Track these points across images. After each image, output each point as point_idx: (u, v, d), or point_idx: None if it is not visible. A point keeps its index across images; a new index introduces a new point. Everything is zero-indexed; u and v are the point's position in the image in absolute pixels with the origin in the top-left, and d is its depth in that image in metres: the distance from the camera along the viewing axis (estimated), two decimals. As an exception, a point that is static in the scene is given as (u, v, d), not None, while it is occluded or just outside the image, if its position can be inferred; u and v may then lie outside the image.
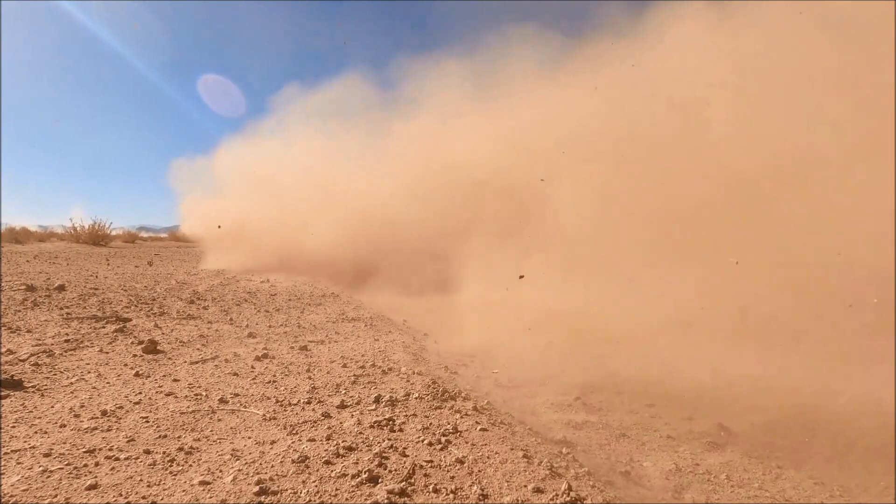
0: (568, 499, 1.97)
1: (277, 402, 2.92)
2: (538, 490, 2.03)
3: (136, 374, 3.38)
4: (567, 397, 3.93)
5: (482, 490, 1.99)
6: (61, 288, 6.94)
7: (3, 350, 3.72)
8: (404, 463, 2.17)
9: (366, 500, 1.87)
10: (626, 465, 2.84)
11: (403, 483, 2.01)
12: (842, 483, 2.79)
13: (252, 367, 3.70)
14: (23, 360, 3.51)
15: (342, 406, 2.89)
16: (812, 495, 2.67)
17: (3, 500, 1.77)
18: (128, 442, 2.30)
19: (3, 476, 1.94)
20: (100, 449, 2.21)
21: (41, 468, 2.01)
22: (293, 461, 2.14)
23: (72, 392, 2.99)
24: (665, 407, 3.78)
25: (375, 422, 2.62)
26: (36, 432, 2.38)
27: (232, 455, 2.20)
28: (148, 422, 2.55)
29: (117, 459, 2.12)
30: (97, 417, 2.58)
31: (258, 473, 2.02)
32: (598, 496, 2.14)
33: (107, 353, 3.92)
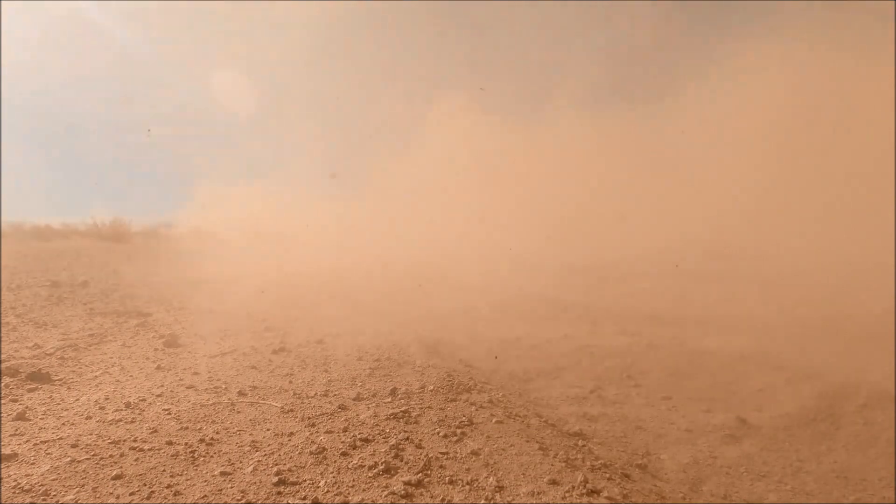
0: (584, 491, 1.97)
1: (295, 394, 2.97)
2: (554, 482, 2.03)
3: (158, 368, 3.46)
4: (582, 390, 3.92)
5: (498, 482, 2.00)
6: (85, 284, 7.12)
7: (31, 344, 3.83)
8: (420, 455, 2.19)
9: (382, 491, 1.90)
10: (643, 458, 2.82)
11: (420, 474, 2.03)
12: (864, 476, 2.74)
13: (270, 360, 3.76)
14: (50, 354, 3.61)
15: (358, 398, 2.92)
16: (833, 489, 2.63)
17: (34, 489, 1.83)
18: (151, 433, 2.36)
19: (34, 465, 2.01)
20: (124, 440, 2.27)
21: (69, 458, 2.08)
22: (311, 452, 2.17)
23: (96, 385, 3.07)
24: (682, 399, 3.75)
25: (391, 414, 2.64)
26: (63, 424, 2.45)
27: (251, 446, 2.24)
28: (170, 414, 2.61)
29: (141, 450, 2.18)
30: (121, 409, 2.65)
31: (277, 464, 2.06)
32: (614, 489, 2.13)
33: (129, 347, 4.02)
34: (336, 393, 3.02)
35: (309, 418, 2.59)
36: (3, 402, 2.68)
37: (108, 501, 1.79)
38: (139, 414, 2.60)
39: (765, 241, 13.02)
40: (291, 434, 2.39)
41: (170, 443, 2.26)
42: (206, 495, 1.84)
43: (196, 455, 2.16)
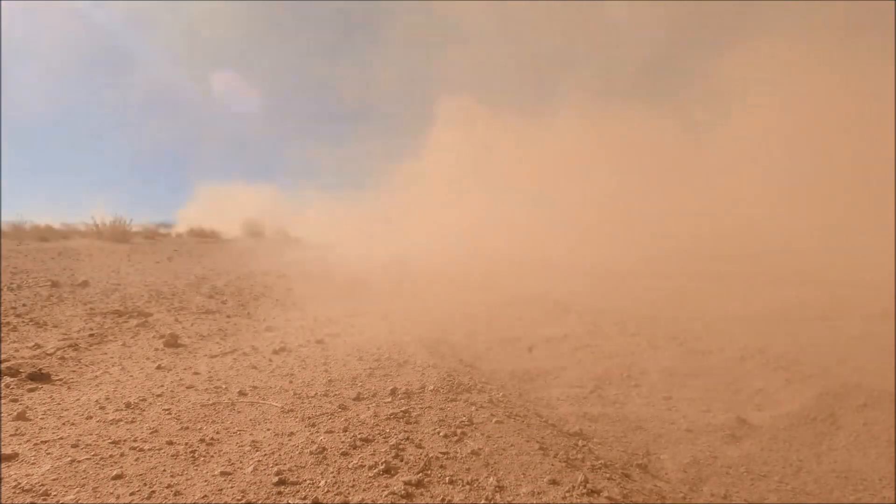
0: (584, 491, 1.97)
1: (295, 394, 2.97)
2: (554, 482, 2.03)
3: (158, 368, 3.46)
4: (583, 390, 3.92)
5: (498, 482, 2.00)
6: (85, 283, 7.12)
7: (31, 344, 3.83)
8: (420, 455, 2.19)
9: (383, 491, 1.90)
10: (643, 458, 2.83)
11: (420, 474, 2.03)
12: (864, 476, 2.74)
13: (270, 360, 3.76)
14: (50, 354, 3.61)
15: (358, 398, 2.92)
16: (834, 489, 2.63)
17: (35, 489, 1.83)
18: (151, 433, 2.36)
19: (34, 465, 2.01)
20: (125, 440, 2.27)
21: (69, 458, 2.08)
22: (311, 452, 2.17)
23: (97, 385, 3.07)
24: (682, 399, 3.75)
25: (391, 414, 2.64)
26: (64, 423, 2.45)
27: (252, 446, 2.24)
28: (170, 414, 2.61)
29: (141, 450, 2.18)
30: (121, 409, 2.65)
31: (277, 464, 2.06)
32: (614, 489, 2.13)
33: (129, 346, 4.02)
34: (336, 393, 3.02)
35: (309, 418, 2.59)
36: (3, 402, 2.68)
37: (109, 501, 1.79)
38: (139, 414, 2.60)
39: (765, 242, 13.04)
40: (292, 434, 2.39)
41: (170, 442, 2.26)
42: (206, 495, 1.84)
43: (196, 455, 2.16)
